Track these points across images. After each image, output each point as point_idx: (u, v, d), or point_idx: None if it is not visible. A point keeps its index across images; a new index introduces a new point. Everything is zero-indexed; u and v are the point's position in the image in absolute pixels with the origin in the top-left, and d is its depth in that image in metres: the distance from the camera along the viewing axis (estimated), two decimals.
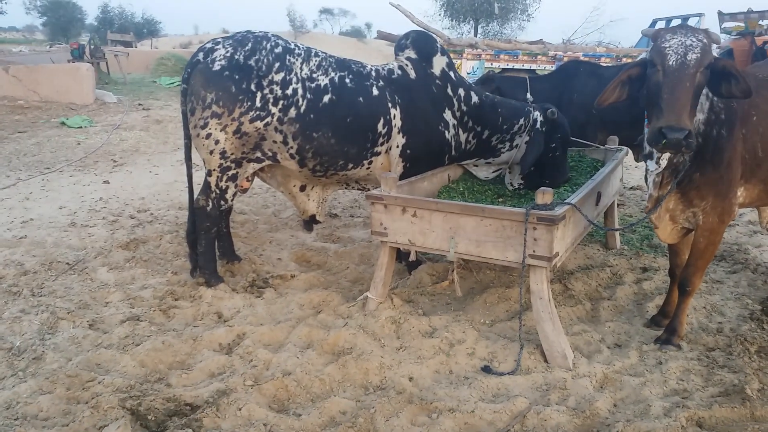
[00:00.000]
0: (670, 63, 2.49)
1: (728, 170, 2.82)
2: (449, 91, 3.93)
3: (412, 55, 3.92)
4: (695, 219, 2.95)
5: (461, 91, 3.97)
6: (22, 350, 2.94)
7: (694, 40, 2.51)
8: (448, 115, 3.93)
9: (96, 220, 5.16)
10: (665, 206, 2.94)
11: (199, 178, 3.75)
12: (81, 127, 10.26)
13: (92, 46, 18.05)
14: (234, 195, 3.72)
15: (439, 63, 3.93)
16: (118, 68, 18.65)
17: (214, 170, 3.59)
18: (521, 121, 4.12)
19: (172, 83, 18.83)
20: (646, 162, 2.96)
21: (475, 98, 4.02)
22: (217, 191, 3.63)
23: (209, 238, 3.78)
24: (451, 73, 3.97)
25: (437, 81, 3.90)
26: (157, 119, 11.41)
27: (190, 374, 2.81)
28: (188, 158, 3.75)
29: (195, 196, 3.74)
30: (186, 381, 2.76)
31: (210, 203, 3.66)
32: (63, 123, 10.46)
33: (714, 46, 2.56)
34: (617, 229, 4.67)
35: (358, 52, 35.06)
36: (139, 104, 13.46)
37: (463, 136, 4.05)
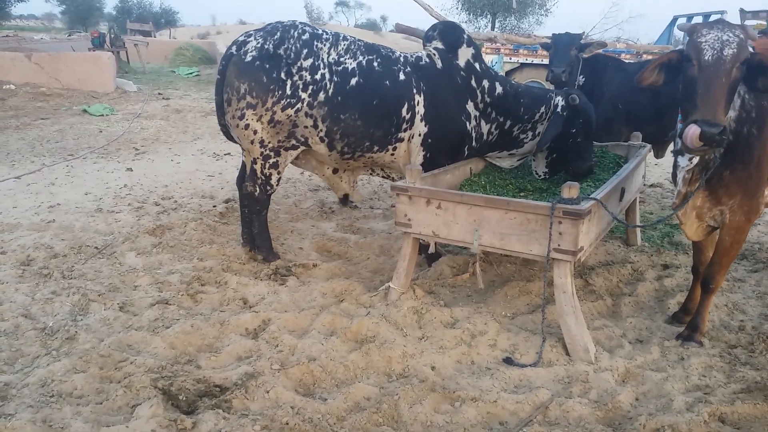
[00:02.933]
0: (706, 58, 2.46)
1: (757, 169, 2.80)
2: (473, 82, 3.96)
3: (439, 45, 3.98)
4: (722, 217, 2.93)
5: (485, 83, 3.99)
6: (55, 330, 3.02)
7: (730, 35, 2.48)
8: (470, 106, 3.96)
9: (122, 206, 5.25)
10: (692, 203, 2.91)
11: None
12: (102, 115, 10.41)
13: (113, 35, 18.23)
14: (278, 181, 3.90)
15: (464, 54, 3.96)
16: (138, 57, 18.83)
17: (257, 158, 3.75)
18: (542, 109, 4.11)
19: (191, 73, 19.00)
20: (676, 158, 2.94)
21: (499, 89, 4.03)
22: (263, 178, 3.81)
23: (261, 220, 4.05)
24: (477, 65, 3.98)
25: (461, 72, 3.93)
26: (176, 109, 11.53)
27: (219, 357, 2.87)
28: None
29: (243, 183, 3.96)
30: (215, 363, 2.83)
31: (257, 189, 3.86)
32: (85, 111, 10.61)
33: (750, 42, 2.54)
34: (643, 226, 4.68)
35: None
36: (159, 93, 13.60)
37: (485, 128, 4.07)
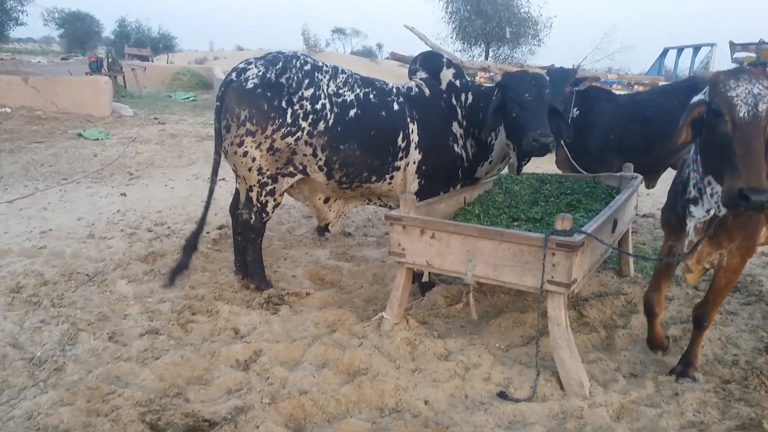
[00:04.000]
0: (742, 115, 2.28)
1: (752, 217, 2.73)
2: (453, 101, 4.07)
3: (423, 75, 4.12)
4: (720, 260, 2.86)
5: (462, 96, 4.09)
6: (42, 361, 2.97)
7: (761, 88, 2.31)
8: (455, 126, 4.06)
9: (114, 232, 5.22)
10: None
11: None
12: (97, 139, 10.42)
13: (110, 60, 18.38)
14: (274, 208, 3.90)
15: (446, 76, 4.09)
16: (135, 82, 18.94)
17: (254, 186, 3.75)
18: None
19: (187, 98, 19.12)
20: (689, 206, 2.75)
21: (470, 99, 4.09)
22: (258, 205, 3.82)
23: (256, 248, 4.02)
24: (457, 82, 4.09)
25: (444, 95, 4.07)
26: (172, 133, 11.56)
27: (208, 390, 2.83)
28: (214, 173, 3.88)
29: (239, 211, 3.92)
30: (204, 396, 2.78)
31: (253, 216, 3.85)
32: (80, 135, 10.62)
33: None
34: (646, 258, 4.64)
35: (370, 72, 35.33)
36: (155, 118, 13.66)
37: (468, 144, 4.14)
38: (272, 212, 3.90)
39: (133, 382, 2.87)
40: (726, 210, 2.50)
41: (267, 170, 3.69)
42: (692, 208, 2.72)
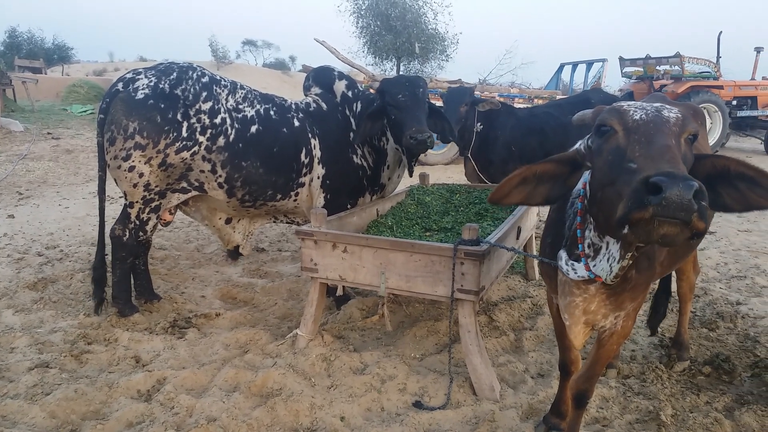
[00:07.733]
0: (638, 117, 1.68)
1: (654, 264, 2.17)
2: (347, 111, 4.08)
3: (318, 90, 4.12)
4: (615, 323, 2.22)
5: (354, 106, 4.10)
6: None
7: (665, 104, 1.79)
8: (352, 137, 4.07)
9: None
10: (584, 308, 2.13)
11: (111, 210, 3.60)
12: None
13: None
14: (155, 227, 3.66)
15: (339, 88, 4.10)
16: (26, 95, 17.60)
17: (135, 202, 3.52)
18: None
19: (84, 111, 18.00)
20: (569, 266, 2.02)
21: (359, 107, 4.09)
22: (137, 222, 3.57)
23: (124, 268, 3.71)
24: (349, 93, 4.11)
25: (340, 107, 4.07)
26: (67, 149, 10.84)
27: (106, 425, 2.61)
28: (102, 191, 3.67)
29: (112, 226, 3.65)
30: None
31: (127, 233, 3.59)
32: None
33: (696, 124, 1.74)
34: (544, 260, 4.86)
35: (283, 84, 35.06)
36: (48, 133, 12.74)
37: (366, 152, 4.14)
38: (151, 232, 3.67)
39: (21, 421, 2.61)
40: (578, 253, 1.95)
41: (155, 186, 3.48)
42: (576, 265, 2.00)
